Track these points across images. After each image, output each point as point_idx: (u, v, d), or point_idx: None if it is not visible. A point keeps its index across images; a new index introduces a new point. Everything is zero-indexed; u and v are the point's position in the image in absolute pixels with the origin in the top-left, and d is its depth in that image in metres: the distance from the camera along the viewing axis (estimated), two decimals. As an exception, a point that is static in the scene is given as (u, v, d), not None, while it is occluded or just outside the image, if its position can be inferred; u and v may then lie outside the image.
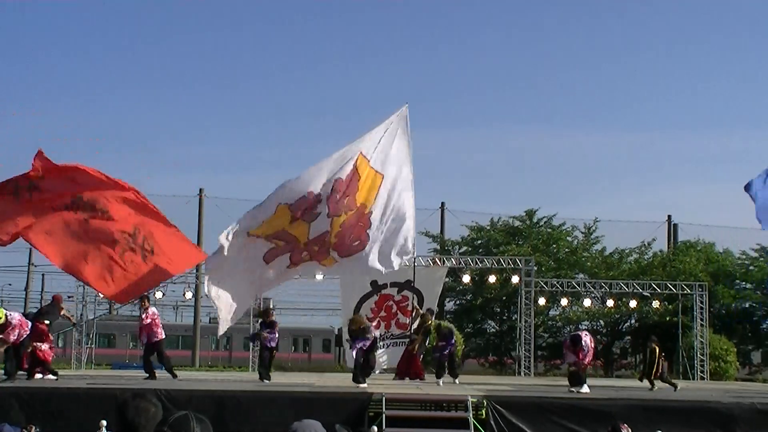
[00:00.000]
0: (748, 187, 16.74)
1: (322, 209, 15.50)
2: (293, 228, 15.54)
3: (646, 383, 18.19)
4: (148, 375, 17.07)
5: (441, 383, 17.39)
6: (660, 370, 17.95)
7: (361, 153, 15.88)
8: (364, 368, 16.07)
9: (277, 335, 17.74)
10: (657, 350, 18.00)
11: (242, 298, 15.89)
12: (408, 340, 20.68)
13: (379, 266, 16.25)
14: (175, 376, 17.24)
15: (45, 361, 16.90)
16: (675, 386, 17.77)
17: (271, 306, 26.53)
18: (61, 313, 17.66)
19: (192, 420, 3.08)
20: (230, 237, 15.00)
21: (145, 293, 16.99)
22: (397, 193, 16.30)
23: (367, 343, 16.10)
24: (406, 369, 19.66)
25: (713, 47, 76.27)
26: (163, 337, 17.73)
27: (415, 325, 20.93)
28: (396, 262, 16.39)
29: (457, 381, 18.30)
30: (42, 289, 46.41)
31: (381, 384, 16.04)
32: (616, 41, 76.88)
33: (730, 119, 79.09)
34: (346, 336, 16.94)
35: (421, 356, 20.70)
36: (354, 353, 16.44)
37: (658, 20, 75.94)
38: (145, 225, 14.43)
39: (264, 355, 17.80)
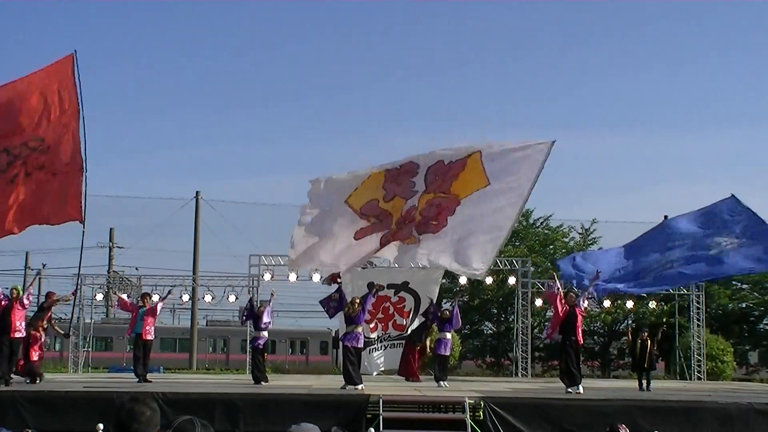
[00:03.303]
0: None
1: (419, 186, 14.62)
2: (389, 205, 14.69)
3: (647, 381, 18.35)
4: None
5: (442, 385, 17.29)
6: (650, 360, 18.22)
7: (480, 152, 14.72)
8: (355, 369, 15.58)
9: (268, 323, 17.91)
10: (649, 342, 18.33)
11: (317, 252, 14.73)
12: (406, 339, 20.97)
13: (442, 262, 14.91)
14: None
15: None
16: (643, 386, 18.00)
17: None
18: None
19: (197, 425, 3.06)
20: (323, 186, 14.44)
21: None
22: (494, 207, 14.77)
23: (361, 340, 15.97)
24: (406, 368, 20.00)
25: (709, 48, 76.40)
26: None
27: (413, 326, 21.00)
28: (468, 270, 15.28)
29: (444, 384, 17.73)
30: (39, 293, 46.22)
31: (378, 386, 16.00)
32: (609, 42, 76.98)
33: (724, 120, 79.23)
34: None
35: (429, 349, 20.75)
36: (345, 348, 15.76)
37: (650, 21, 76.01)
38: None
39: (257, 359, 17.80)
